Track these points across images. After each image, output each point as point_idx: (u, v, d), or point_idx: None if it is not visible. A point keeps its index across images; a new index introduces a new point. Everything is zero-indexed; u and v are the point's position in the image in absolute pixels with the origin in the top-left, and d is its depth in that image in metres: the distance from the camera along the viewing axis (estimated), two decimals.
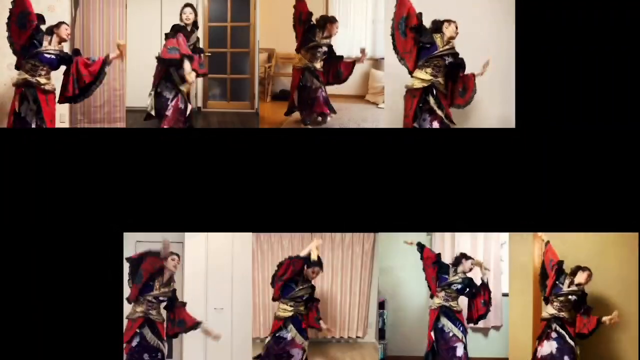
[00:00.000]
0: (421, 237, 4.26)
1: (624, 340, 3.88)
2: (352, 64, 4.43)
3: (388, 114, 4.04)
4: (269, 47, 5.56)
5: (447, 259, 4.26)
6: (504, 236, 4.72)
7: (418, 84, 3.81)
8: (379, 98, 5.31)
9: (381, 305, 4.72)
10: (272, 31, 4.75)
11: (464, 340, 4.16)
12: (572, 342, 3.90)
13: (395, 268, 4.64)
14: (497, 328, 5.00)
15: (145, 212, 3.59)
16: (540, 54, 3.62)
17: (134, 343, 3.82)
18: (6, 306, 3.51)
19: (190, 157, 3.61)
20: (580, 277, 3.87)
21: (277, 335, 4.05)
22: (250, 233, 4.27)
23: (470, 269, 4.19)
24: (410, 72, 3.84)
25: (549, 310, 3.96)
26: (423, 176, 3.61)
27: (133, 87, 4.44)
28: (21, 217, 3.54)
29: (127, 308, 3.82)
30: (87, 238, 3.55)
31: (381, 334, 4.71)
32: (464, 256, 4.19)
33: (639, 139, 3.59)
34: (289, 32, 4.33)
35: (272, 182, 3.60)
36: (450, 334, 4.15)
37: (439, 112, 3.79)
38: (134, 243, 4.13)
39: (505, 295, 4.82)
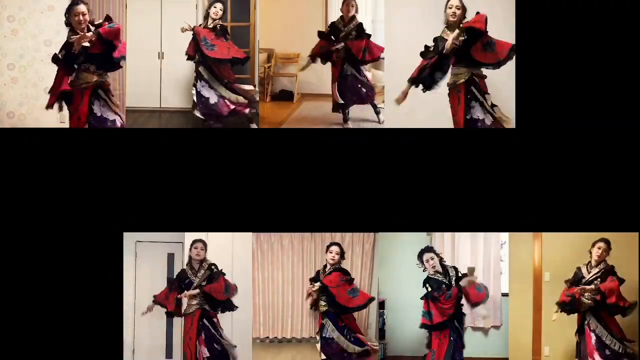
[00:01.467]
0: (421, 236, 4.25)
1: None
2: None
3: (388, 114, 4.03)
4: (269, 47, 5.56)
5: (447, 259, 4.24)
6: (504, 236, 4.72)
7: (461, 78, 3.75)
8: (379, 98, 5.31)
9: (381, 305, 4.71)
10: (272, 31, 4.74)
11: None
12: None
13: (395, 268, 4.63)
14: (497, 328, 5.00)
15: (145, 212, 3.59)
16: (540, 54, 3.63)
17: (203, 335, 3.93)
18: (6, 306, 3.51)
19: (190, 157, 3.61)
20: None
21: (323, 336, 4.08)
22: (250, 233, 4.27)
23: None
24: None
25: None
26: (423, 176, 3.61)
27: (133, 87, 4.44)
28: (21, 217, 3.54)
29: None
30: (87, 238, 3.55)
31: (381, 334, 4.70)
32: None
33: (639, 139, 3.59)
34: (289, 32, 4.33)
35: (272, 182, 3.60)
36: None
37: (482, 99, 3.74)
38: (134, 243, 4.13)
39: (505, 295, 4.82)
